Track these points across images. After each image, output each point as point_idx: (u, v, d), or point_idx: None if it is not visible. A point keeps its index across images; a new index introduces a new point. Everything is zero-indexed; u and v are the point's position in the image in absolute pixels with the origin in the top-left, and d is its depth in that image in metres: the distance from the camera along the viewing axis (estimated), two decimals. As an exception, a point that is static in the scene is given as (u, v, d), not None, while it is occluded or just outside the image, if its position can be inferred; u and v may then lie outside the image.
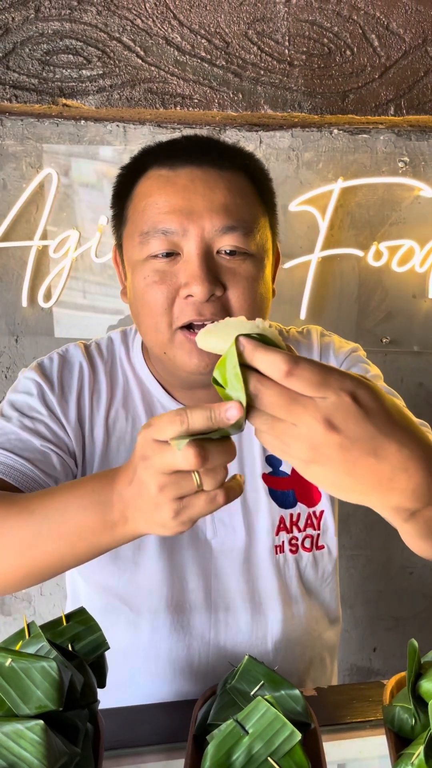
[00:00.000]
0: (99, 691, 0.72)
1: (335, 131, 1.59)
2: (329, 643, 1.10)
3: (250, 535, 0.97)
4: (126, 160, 1.58)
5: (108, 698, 0.91)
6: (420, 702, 0.72)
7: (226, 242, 0.84)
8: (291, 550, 1.00)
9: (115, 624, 0.99)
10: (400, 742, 0.72)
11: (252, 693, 0.73)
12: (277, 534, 0.98)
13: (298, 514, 1.00)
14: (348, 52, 1.43)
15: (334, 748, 0.79)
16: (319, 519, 1.02)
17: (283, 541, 0.99)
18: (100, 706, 0.74)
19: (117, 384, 0.99)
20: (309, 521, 1.01)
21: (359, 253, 1.66)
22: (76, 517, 0.71)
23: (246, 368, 0.56)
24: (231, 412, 0.56)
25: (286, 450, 0.57)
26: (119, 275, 0.96)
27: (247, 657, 0.77)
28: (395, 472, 0.56)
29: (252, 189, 0.88)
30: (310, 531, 1.01)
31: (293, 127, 1.57)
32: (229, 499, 0.62)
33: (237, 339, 0.55)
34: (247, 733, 0.64)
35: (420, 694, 0.72)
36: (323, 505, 1.01)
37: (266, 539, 0.98)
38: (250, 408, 0.57)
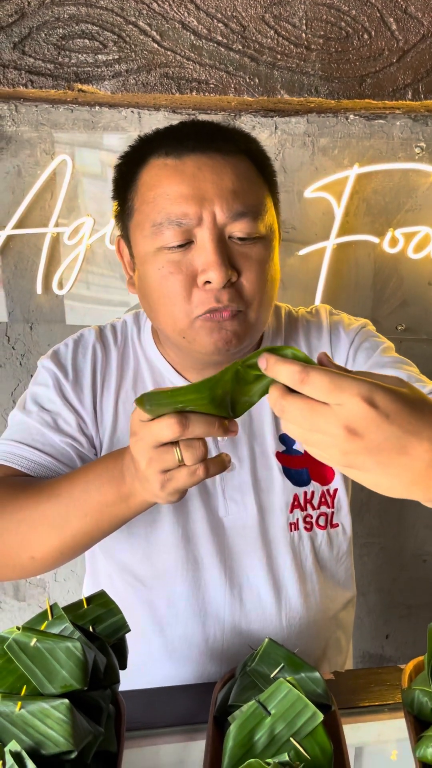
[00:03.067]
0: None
1: (351, 117, 1.57)
2: (344, 623, 1.11)
3: (262, 512, 0.98)
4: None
5: (125, 681, 0.93)
6: (439, 686, 0.72)
7: (238, 228, 0.84)
8: (306, 528, 1.00)
9: (132, 604, 1.00)
10: (420, 725, 0.72)
11: (272, 675, 0.74)
12: (291, 512, 0.99)
13: (312, 492, 1.00)
14: (365, 36, 1.42)
15: (352, 731, 0.79)
16: (333, 497, 1.02)
17: (297, 519, 1.00)
18: (120, 689, 0.75)
19: (128, 365, 1.01)
20: (323, 499, 1.02)
21: (375, 239, 1.64)
22: (96, 494, 0.79)
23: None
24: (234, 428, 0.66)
25: (326, 458, 0.59)
26: (124, 266, 0.96)
27: (267, 640, 0.78)
28: (429, 469, 0.57)
29: (255, 171, 0.89)
30: (324, 509, 1.02)
31: (309, 112, 1.56)
32: (210, 473, 0.69)
33: (261, 353, 0.59)
34: (269, 714, 0.64)
35: (439, 677, 0.72)
36: (337, 483, 1.02)
37: (280, 516, 0.99)
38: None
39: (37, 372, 1.01)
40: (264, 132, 1.59)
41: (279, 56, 1.41)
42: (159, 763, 0.78)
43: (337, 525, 1.03)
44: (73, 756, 0.56)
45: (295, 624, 1.02)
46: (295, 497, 0.99)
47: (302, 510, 1.00)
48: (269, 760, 0.58)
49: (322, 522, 1.02)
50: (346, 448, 0.56)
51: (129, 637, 0.78)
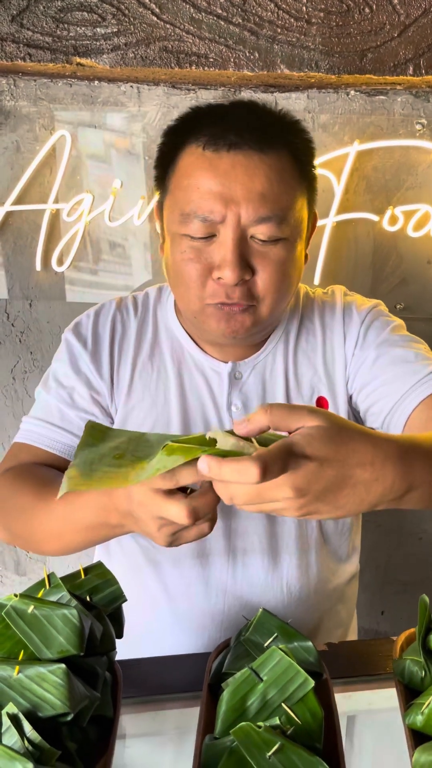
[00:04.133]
0: (118, 642, 0.74)
1: (352, 93, 1.56)
2: (346, 596, 1.13)
3: None
4: (141, 123, 1.56)
5: (128, 650, 0.95)
6: (430, 655, 0.73)
7: (261, 231, 0.88)
8: None
9: (139, 570, 1.04)
10: (410, 694, 0.74)
11: (266, 644, 0.75)
12: None
13: None
14: (367, 10, 1.40)
15: (344, 700, 0.81)
16: None
17: None
18: (119, 658, 0.76)
19: (146, 335, 1.05)
20: None
21: (374, 217, 1.64)
22: (86, 517, 0.84)
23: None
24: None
25: (284, 514, 0.65)
26: (159, 230, 1.00)
27: (261, 610, 0.79)
28: (369, 486, 0.63)
29: (293, 168, 0.91)
30: None
31: (309, 88, 1.54)
32: (212, 528, 0.73)
33: (201, 459, 0.61)
34: (261, 680, 0.66)
35: (430, 647, 0.73)
36: None
37: None
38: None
39: (60, 346, 1.06)
40: (264, 108, 1.58)
41: (279, 30, 1.39)
42: (154, 727, 0.80)
43: None
44: (69, 718, 0.58)
45: (295, 594, 1.04)
46: None
47: None
48: (260, 723, 0.59)
49: None
50: (298, 505, 0.62)
51: (136, 606, 0.82)
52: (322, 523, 1.05)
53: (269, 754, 0.58)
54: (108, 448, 0.71)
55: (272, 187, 0.87)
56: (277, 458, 0.59)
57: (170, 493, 0.69)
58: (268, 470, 0.57)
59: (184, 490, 0.70)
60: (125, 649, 0.95)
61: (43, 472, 0.99)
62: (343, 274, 1.67)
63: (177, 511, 0.68)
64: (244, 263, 0.88)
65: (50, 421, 1.02)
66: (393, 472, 0.64)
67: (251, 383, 1.02)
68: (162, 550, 1.02)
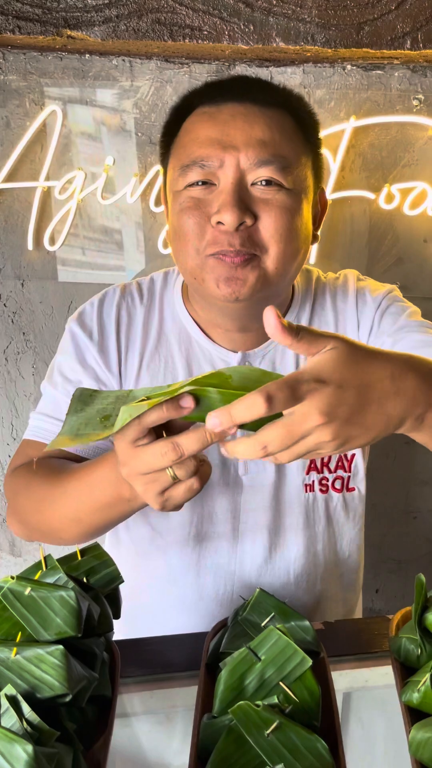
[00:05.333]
0: (123, 622, 0.75)
1: (348, 67, 1.54)
2: (351, 583, 1.14)
3: (279, 472, 1.00)
4: (133, 98, 1.54)
5: (133, 629, 0.98)
6: (426, 633, 0.74)
7: (261, 174, 0.86)
8: (321, 490, 1.02)
9: (147, 552, 1.04)
10: (406, 671, 0.74)
11: (263, 624, 0.75)
12: (307, 473, 1.01)
13: (329, 456, 1.01)
14: (364, -19, 1.37)
15: (341, 677, 0.82)
16: (350, 462, 1.04)
17: (313, 481, 1.01)
18: (123, 637, 0.77)
19: (152, 324, 1.02)
20: (340, 463, 1.03)
21: (370, 195, 1.62)
22: (100, 496, 0.82)
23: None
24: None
25: (323, 452, 0.63)
26: (166, 214, 0.98)
27: (258, 590, 0.79)
28: (392, 400, 0.63)
29: (295, 128, 0.90)
30: (340, 473, 1.03)
31: (305, 62, 1.52)
32: (203, 484, 0.70)
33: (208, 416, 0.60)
34: (259, 659, 0.66)
35: (426, 626, 0.74)
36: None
37: (296, 477, 1.01)
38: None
39: (63, 336, 1.03)
40: (259, 83, 1.56)
41: (275, 2, 1.36)
42: (153, 707, 0.81)
43: (353, 489, 1.05)
44: (67, 699, 0.58)
45: (302, 581, 1.04)
46: (311, 459, 1.00)
47: (319, 472, 1.02)
48: (258, 702, 0.60)
49: (338, 485, 1.03)
50: (330, 432, 0.59)
51: (142, 589, 0.81)
52: (331, 512, 1.04)
53: (268, 732, 0.58)
54: (95, 411, 0.69)
55: (273, 135, 0.86)
56: (283, 385, 0.57)
57: (146, 443, 0.67)
58: (274, 397, 0.56)
59: None
60: (130, 632, 0.98)
61: (53, 462, 0.97)
62: (338, 253, 1.66)
63: (153, 453, 0.66)
64: (243, 206, 0.85)
65: (58, 417, 0.99)
66: (414, 383, 0.64)
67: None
68: (169, 538, 1.02)
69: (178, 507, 0.72)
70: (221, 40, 1.38)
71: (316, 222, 0.97)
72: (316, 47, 1.40)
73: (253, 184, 0.86)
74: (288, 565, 1.03)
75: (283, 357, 1.01)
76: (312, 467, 1.01)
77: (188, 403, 0.63)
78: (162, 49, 1.46)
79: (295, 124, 0.90)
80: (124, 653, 0.76)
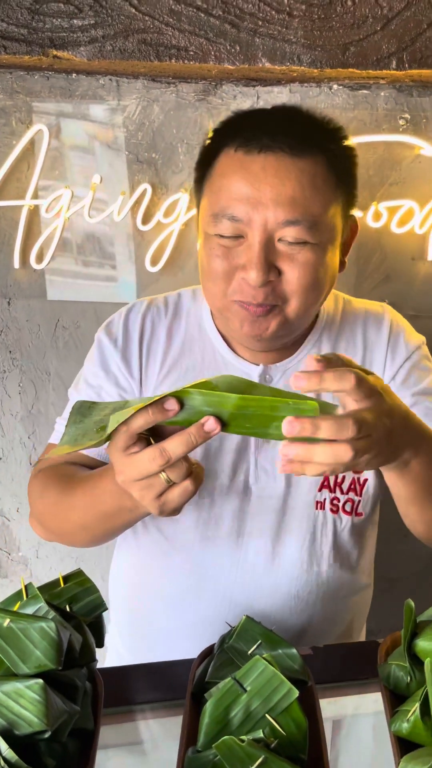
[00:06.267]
0: (124, 640, 0.74)
1: (335, 87, 1.56)
2: (357, 608, 1.14)
3: (289, 485, 1.02)
4: (120, 117, 1.55)
5: (137, 651, 1.05)
6: (415, 660, 0.73)
7: (289, 234, 0.89)
8: (332, 510, 1.04)
9: (152, 559, 1.07)
10: (396, 699, 0.74)
11: (249, 652, 0.75)
12: (319, 490, 1.03)
13: (343, 477, 1.04)
14: (349, 2, 1.40)
15: (329, 705, 0.81)
16: (362, 486, 1.05)
17: (325, 499, 1.03)
18: (126, 655, 0.75)
19: (177, 336, 1.06)
20: (353, 486, 1.05)
21: (358, 213, 1.63)
22: (104, 505, 0.87)
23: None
24: (210, 425, 0.67)
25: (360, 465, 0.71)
26: (198, 241, 1.03)
27: (245, 617, 0.79)
28: (401, 436, 0.76)
29: (328, 175, 0.91)
30: (352, 495, 1.05)
31: (291, 82, 1.54)
32: (197, 486, 0.73)
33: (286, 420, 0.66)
34: (245, 690, 0.65)
35: (415, 652, 0.73)
36: (368, 473, 1.04)
37: (307, 493, 1.02)
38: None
39: (92, 346, 1.09)
40: (246, 102, 1.57)
41: (260, 23, 1.38)
42: (136, 738, 0.80)
43: (361, 514, 1.06)
44: (47, 735, 0.57)
45: (303, 600, 1.05)
46: (326, 477, 1.02)
47: (331, 491, 1.04)
48: (244, 737, 0.59)
49: (348, 508, 1.04)
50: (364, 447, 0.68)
51: (146, 593, 0.89)
52: (338, 533, 1.05)
53: None
54: (92, 422, 0.73)
55: (303, 192, 0.88)
56: (364, 416, 0.67)
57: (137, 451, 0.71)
58: (362, 425, 0.66)
59: None
60: (135, 648, 1.06)
61: (67, 469, 1.02)
62: (326, 270, 1.67)
63: (143, 460, 0.69)
64: (269, 265, 0.89)
65: None
66: (412, 430, 0.78)
67: (282, 386, 1.01)
68: (175, 544, 1.05)
69: (176, 510, 0.75)
70: (207, 60, 1.40)
71: (346, 247, 1.01)
72: (302, 67, 1.42)
73: (280, 239, 0.89)
74: (290, 582, 1.04)
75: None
76: (325, 485, 1.03)
77: (172, 405, 0.67)
78: (148, 69, 1.48)
79: (329, 170, 0.91)
80: (108, 682, 0.75)
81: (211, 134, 0.97)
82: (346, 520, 1.04)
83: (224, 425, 0.68)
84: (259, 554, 1.03)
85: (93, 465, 1.03)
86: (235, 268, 0.91)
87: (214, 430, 0.67)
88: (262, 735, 0.60)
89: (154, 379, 1.04)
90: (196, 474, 0.74)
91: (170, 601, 1.06)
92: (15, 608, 0.65)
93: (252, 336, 0.94)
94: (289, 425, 0.64)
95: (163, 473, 0.71)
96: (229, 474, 1.02)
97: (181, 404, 0.68)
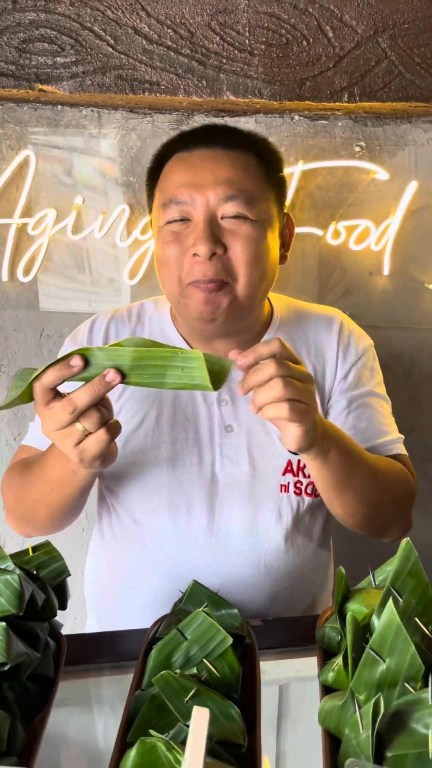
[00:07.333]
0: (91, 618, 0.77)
1: (296, 117, 1.64)
2: (319, 581, 1.19)
3: (254, 472, 1.08)
4: (102, 144, 1.63)
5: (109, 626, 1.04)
6: (345, 621, 0.79)
7: (228, 208, 0.97)
8: (295, 492, 1.09)
9: (127, 546, 1.10)
10: (328, 657, 0.78)
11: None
12: (283, 474, 1.08)
13: (305, 463, 1.08)
14: (304, 43, 1.48)
15: (273, 669, 0.86)
16: None
17: (288, 482, 1.08)
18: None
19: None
20: None
21: (319, 232, 1.71)
22: (53, 472, 0.94)
23: None
24: (110, 376, 0.74)
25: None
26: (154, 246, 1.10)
27: (193, 581, 0.84)
28: (321, 422, 0.88)
29: (259, 166, 1.01)
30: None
31: (256, 113, 1.62)
32: (112, 435, 0.80)
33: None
34: (186, 639, 0.71)
35: (345, 614, 0.79)
36: None
37: (272, 477, 1.08)
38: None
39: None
40: (216, 131, 1.65)
41: (224, 60, 1.47)
42: (95, 692, 0.85)
43: (320, 495, 1.09)
44: (6, 668, 0.63)
45: (272, 574, 1.08)
46: (289, 463, 1.08)
47: (294, 475, 1.09)
48: (178, 671, 0.65)
49: (309, 490, 1.09)
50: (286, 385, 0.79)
51: (120, 581, 0.92)
52: (300, 513, 1.09)
53: (187, 699, 0.63)
54: (28, 384, 0.78)
55: (237, 174, 0.97)
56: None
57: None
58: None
59: None
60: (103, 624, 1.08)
61: (30, 459, 1.07)
62: (291, 284, 1.74)
63: (57, 409, 0.76)
64: (215, 238, 0.96)
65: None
66: (334, 431, 0.91)
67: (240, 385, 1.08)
68: (147, 529, 1.08)
69: (95, 458, 0.81)
70: (177, 93, 1.48)
71: (286, 244, 1.09)
72: (264, 100, 1.50)
73: (222, 217, 0.97)
74: (260, 557, 1.08)
75: None
76: (288, 470, 1.08)
77: (76, 361, 0.74)
78: (126, 101, 1.56)
79: (259, 162, 1.01)
80: (72, 646, 0.79)
81: (153, 156, 1.06)
82: (308, 501, 1.09)
83: (125, 376, 0.75)
84: (230, 536, 1.07)
85: None
86: (186, 249, 0.97)
87: (115, 380, 0.74)
88: (196, 671, 0.66)
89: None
90: (112, 425, 0.80)
91: (141, 589, 1.09)
92: (-16, 566, 0.71)
93: (207, 316, 0.98)
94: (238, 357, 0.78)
95: (78, 423, 0.78)
96: (197, 463, 1.06)
97: (87, 362, 0.75)
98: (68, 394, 0.77)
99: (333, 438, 0.90)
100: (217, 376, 0.74)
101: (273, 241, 1.02)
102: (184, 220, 0.98)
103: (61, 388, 1.12)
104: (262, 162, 1.01)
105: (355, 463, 0.96)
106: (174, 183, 0.98)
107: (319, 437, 0.86)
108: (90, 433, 0.79)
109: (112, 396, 1.07)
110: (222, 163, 0.97)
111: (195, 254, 0.96)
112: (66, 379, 0.76)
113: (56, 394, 0.78)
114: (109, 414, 0.81)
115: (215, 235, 0.96)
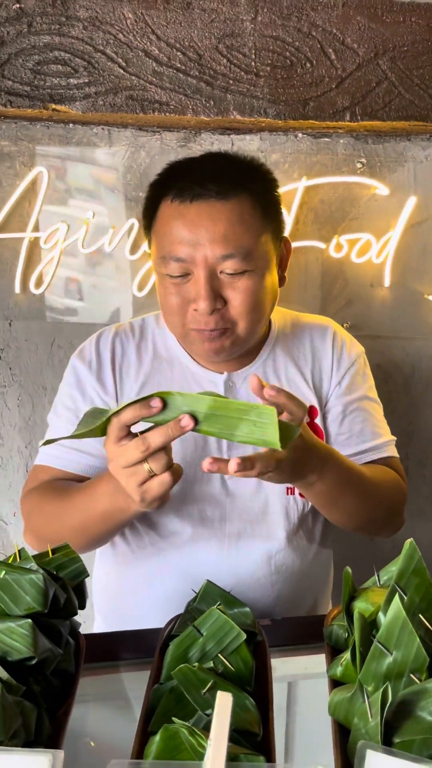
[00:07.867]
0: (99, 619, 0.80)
1: (299, 135, 1.68)
2: (322, 580, 1.22)
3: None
4: (111, 161, 1.67)
5: (119, 627, 1.05)
6: (353, 619, 0.81)
7: (227, 266, 0.98)
8: (300, 494, 1.11)
9: (141, 551, 1.12)
10: (336, 654, 0.81)
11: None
12: None
13: None
14: (308, 65, 1.52)
15: (282, 665, 0.88)
16: None
17: (293, 486, 1.10)
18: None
19: (146, 355, 1.14)
20: None
21: (322, 245, 1.75)
22: (101, 505, 0.94)
23: None
24: (185, 421, 0.76)
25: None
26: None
27: (206, 581, 0.87)
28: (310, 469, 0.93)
29: (254, 210, 1.00)
30: None
31: (261, 131, 1.66)
32: (175, 480, 0.82)
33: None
34: (202, 635, 0.74)
35: (353, 612, 0.82)
36: None
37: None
38: None
39: (66, 371, 1.15)
40: (221, 148, 1.68)
41: (231, 82, 1.51)
42: (114, 688, 0.87)
43: None
44: (33, 662, 0.65)
45: (282, 574, 1.12)
46: None
47: None
48: (196, 664, 0.68)
49: None
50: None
51: (132, 583, 0.95)
52: (305, 516, 1.13)
53: (204, 690, 0.66)
54: (98, 421, 0.80)
55: (234, 229, 0.97)
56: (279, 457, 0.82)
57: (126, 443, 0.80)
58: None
59: None
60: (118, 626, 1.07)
61: (62, 483, 1.08)
62: (295, 296, 1.77)
63: (130, 448, 0.78)
64: (215, 295, 0.98)
65: (62, 443, 1.09)
66: (333, 470, 0.94)
67: (243, 391, 1.12)
68: (162, 536, 1.10)
69: (156, 500, 0.83)
70: (186, 113, 1.52)
71: (284, 265, 1.11)
72: (269, 119, 1.54)
73: (221, 272, 0.99)
74: (270, 557, 1.11)
75: (264, 377, 1.14)
76: None
77: (156, 402, 0.77)
78: (135, 120, 1.59)
79: (254, 206, 1.00)
80: (91, 644, 0.82)
81: (149, 187, 1.07)
82: (311, 503, 1.12)
83: (198, 423, 0.76)
84: (242, 537, 1.10)
85: (80, 479, 1.09)
86: (188, 302, 1.00)
87: (188, 426, 0.75)
88: (212, 665, 0.69)
89: (133, 394, 1.10)
90: (175, 470, 0.82)
91: (155, 590, 1.11)
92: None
93: (212, 356, 1.04)
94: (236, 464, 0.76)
95: (146, 464, 0.79)
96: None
97: (165, 404, 0.77)
98: (140, 433, 0.79)
99: (319, 470, 0.93)
100: (285, 435, 0.74)
101: (271, 278, 1.05)
102: (185, 275, 0.99)
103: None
104: (258, 204, 1.01)
105: (344, 486, 0.99)
106: (172, 239, 0.99)
107: (299, 475, 0.90)
108: (155, 474, 0.80)
109: None
110: (218, 218, 0.97)
111: (196, 309, 0.99)
112: (143, 419, 0.78)
113: (128, 433, 0.80)
114: (172, 458, 0.82)
115: (215, 291, 0.98)
